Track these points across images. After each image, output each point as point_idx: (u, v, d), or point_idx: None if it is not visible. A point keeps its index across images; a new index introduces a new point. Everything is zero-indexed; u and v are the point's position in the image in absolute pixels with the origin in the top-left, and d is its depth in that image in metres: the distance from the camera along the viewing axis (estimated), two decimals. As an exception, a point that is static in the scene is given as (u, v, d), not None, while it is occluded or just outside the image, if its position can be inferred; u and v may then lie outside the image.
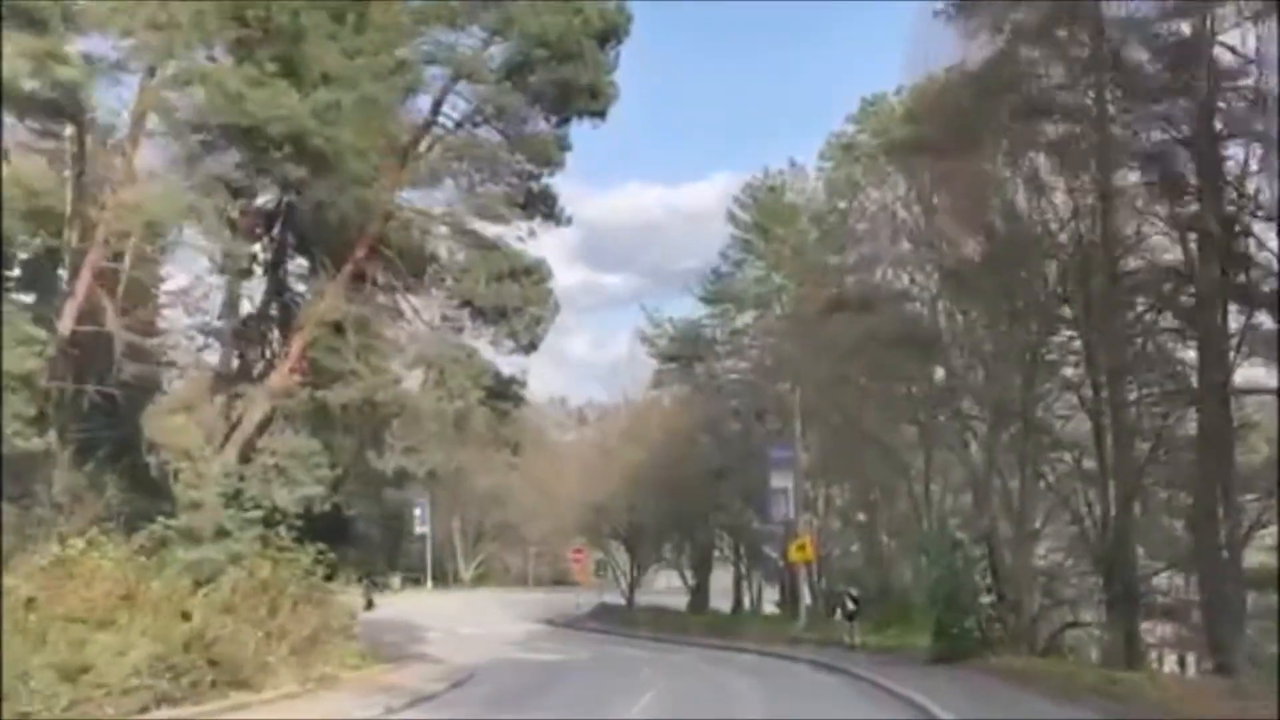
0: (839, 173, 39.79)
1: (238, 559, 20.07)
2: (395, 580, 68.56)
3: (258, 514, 20.83)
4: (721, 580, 52.23)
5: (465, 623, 45.06)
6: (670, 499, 44.71)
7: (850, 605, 30.38)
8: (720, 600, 49.35)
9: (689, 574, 50.27)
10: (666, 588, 56.71)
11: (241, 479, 21.03)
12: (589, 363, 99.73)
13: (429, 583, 69.31)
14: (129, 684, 15.31)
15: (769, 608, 46.85)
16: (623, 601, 52.36)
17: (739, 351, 44.92)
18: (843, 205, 38.62)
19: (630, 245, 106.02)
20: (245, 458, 21.53)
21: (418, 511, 68.70)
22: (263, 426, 22.17)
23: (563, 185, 23.85)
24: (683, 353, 47.58)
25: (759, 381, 41.89)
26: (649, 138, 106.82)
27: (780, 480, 34.89)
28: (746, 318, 45.77)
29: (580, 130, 23.19)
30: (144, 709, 15.44)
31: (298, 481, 21.57)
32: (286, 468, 21.43)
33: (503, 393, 23.49)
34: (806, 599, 36.84)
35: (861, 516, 38.76)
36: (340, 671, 22.04)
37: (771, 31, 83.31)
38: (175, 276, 23.68)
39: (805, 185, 44.49)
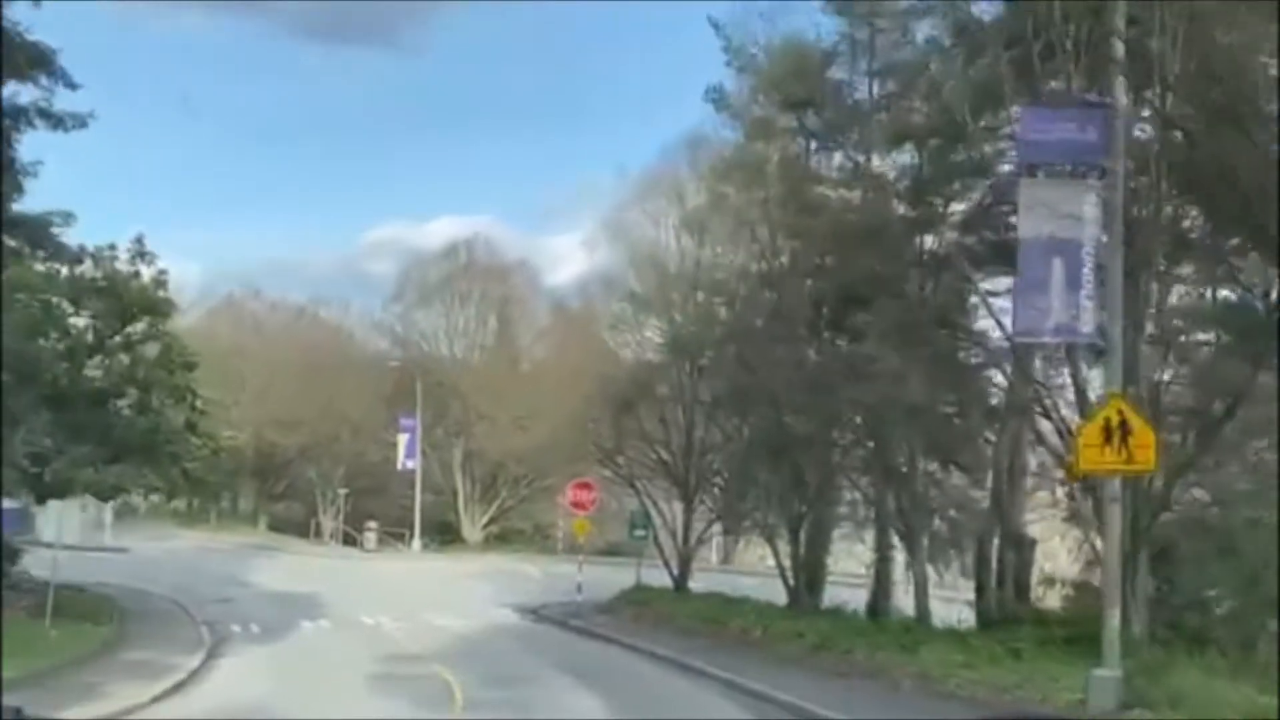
0: None
1: None
2: (370, 536, 47.34)
3: None
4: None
5: (399, 607, 28.52)
6: (754, 385, 21.56)
7: None
8: (848, 594, 25.91)
9: (786, 544, 26.39)
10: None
11: None
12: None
13: (415, 542, 47.51)
14: None
15: (943, 610, 22.75)
16: (670, 583, 29.38)
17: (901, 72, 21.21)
18: None
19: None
20: None
21: (403, 437, 47.02)
22: None
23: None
24: (792, 108, 24.47)
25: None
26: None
27: (1047, 218, 11.29)
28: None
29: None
30: None
31: None
32: None
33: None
34: (1113, 602, 12.53)
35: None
36: None
37: None
38: None
39: None
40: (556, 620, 26.51)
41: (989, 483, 22.02)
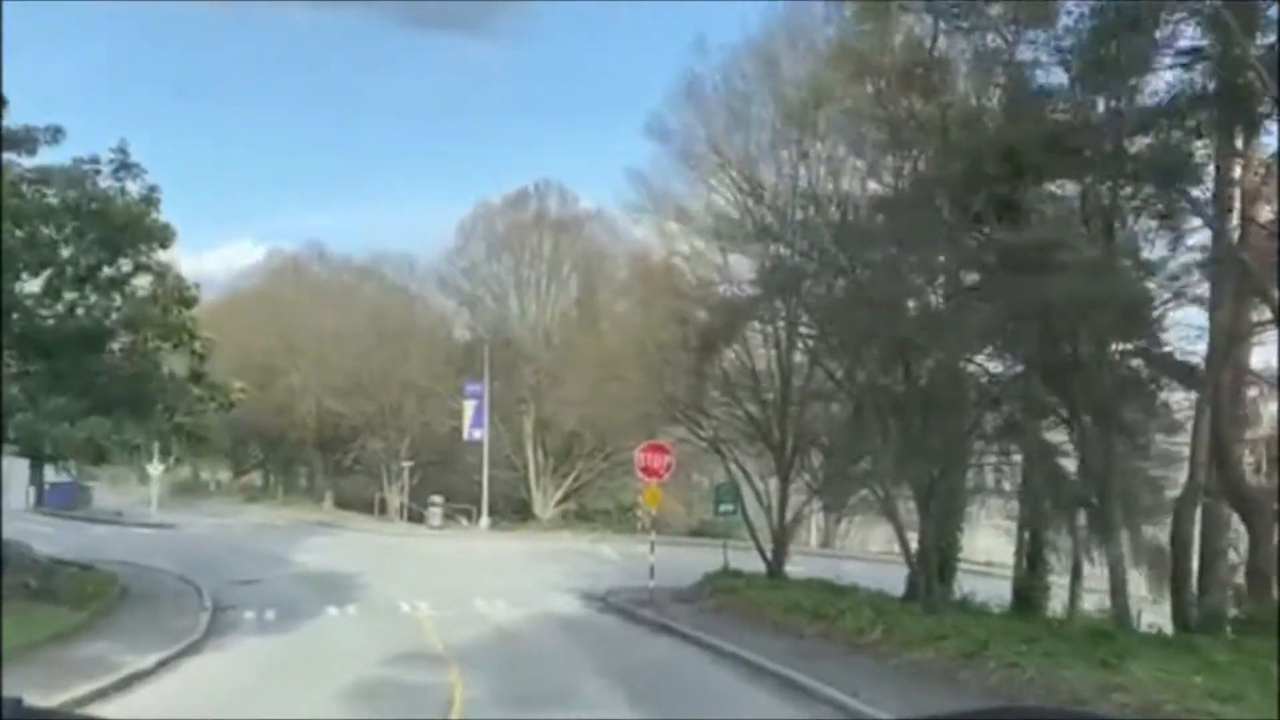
0: None
1: None
2: (434, 512, 43.35)
3: None
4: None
5: (447, 591, 24.50)
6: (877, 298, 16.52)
7: None
8: (975, 582, 20.71)
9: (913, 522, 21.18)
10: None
11: None
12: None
13: (483, 519, 43.26)
14: None
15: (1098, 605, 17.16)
16: (763, 568, 24.49)
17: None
18: None
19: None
20: None
21: (469, 404, 42.84)
22: None
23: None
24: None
25: None
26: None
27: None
28: None
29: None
30: None
31: None
32: None
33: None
34: None
35: None
36: None
37: None
38: None
39: None
40: (624, 610, 21.78)
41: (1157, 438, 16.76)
